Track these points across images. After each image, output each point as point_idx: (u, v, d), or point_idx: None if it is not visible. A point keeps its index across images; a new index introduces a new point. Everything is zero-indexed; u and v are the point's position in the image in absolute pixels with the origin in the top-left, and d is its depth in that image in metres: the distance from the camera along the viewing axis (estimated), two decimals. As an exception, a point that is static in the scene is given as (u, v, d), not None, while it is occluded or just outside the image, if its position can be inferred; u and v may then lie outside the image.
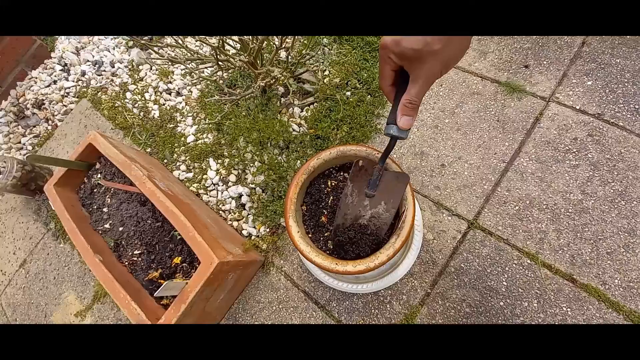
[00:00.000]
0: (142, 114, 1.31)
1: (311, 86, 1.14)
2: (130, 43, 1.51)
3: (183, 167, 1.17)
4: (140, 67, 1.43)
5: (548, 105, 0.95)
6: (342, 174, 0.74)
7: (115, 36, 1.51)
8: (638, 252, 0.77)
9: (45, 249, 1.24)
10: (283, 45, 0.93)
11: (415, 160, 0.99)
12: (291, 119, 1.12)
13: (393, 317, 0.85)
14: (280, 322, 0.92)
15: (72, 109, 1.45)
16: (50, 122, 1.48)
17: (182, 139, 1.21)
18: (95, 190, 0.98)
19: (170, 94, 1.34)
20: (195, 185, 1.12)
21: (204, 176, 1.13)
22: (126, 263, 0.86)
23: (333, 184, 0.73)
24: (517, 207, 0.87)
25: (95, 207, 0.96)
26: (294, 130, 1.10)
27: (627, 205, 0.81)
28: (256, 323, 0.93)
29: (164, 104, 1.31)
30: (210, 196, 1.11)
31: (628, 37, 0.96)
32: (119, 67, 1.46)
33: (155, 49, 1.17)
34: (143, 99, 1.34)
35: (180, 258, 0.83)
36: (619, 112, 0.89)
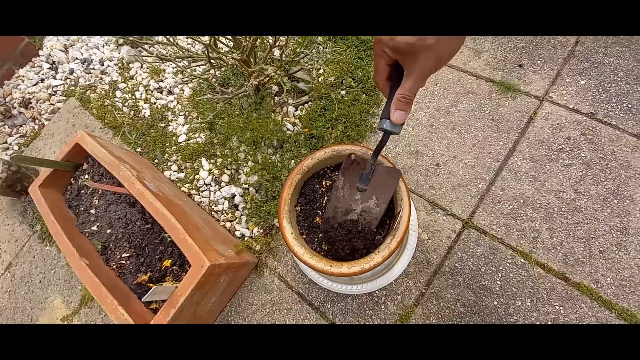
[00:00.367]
0: (132, 112, 1.28)
1: (305, 85, 1.12)
2: (121, 41, 1.47)
3: (174, 167, 1.15)
4: (131, 65, 1.40)
5: (542, 104, 0.95)
6: (336, 174, 0.73)
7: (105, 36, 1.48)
8: (630, 251, 0.77)
9: (31, 252, 1.20)
10: (277, 44, 0.91)
11: (410, 159, 0.98)
12: (285, 118, 1.10)
13: (388, 317, 0.85)
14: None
15: (59, 108, 1.41)
16: (37, 121, 1.44)
17: (174, 138, 1.19)
18: (82, 192, 0.95)
19: (161, 93, 1.31)
20: (187, 185, 1.10)
21: (196, 176, 1.11)
22: (114, 266, 0.84)
23: (328, 184, 0.72)
24: (511, 206, 0.87)
25: (82, 208, 0.93)
26: (288, 129, 1.08)
27: (620, 204, 0.81)
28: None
29: (155, 103, 1.29)
30: (202, 197, 1.09)
31: (621, 36, 0.97)
32: (109, 65, 1.43)
33: (146, 46, 1.14)
34: (133, 97, 1.31)
35: (170, 261, 0.81)
36: (612, 111, 0.90)
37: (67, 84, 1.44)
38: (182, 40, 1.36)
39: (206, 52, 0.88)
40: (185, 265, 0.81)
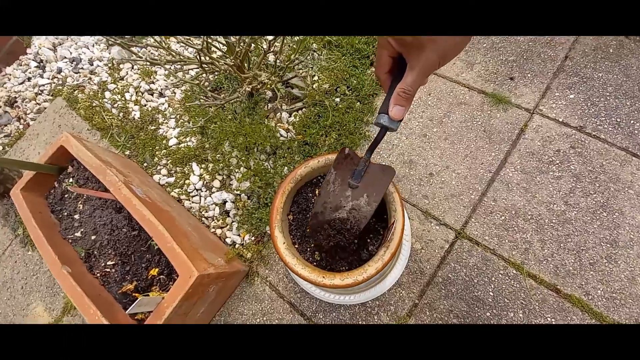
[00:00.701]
0: (121, 114, 1.25)
1: (300, 91, 1.11)
2: (111, 40, 1.44)
3: (164, 171, 1.12)
4: (121, 65, 1.37)
5: (532, 117, 0.97)
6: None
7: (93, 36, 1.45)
8: (620, 263, 0.78)
9: (12, 257, 1.15)
10: (271, 49, 0.90)
11: (404, 168, 0.98)
12: (279, 124, 1.09)
13: (380, 329, 0.83)
14: (264, 335, 0.88)
15: (45, 108, 1.37)
16: (22, 120, 1.39)
17: (164, 141, 1.16)
18: (66, 196, 0.92)
19: (152, 95, 1.28)
20: (177, 190, 1.07)
21: (187, 181, 1.08)
22: (98, 274, 0.81)
23: (320, 193, 0.71)
24: (503, 217, 0.87)
25: (66, 213, 0.89)
26: (281, 135, 1.07)
27: (609, 217, 0.82)
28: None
29: (145, 105, 1.26)
30: (192, 202, 1.06)
31: (611, 51, 0.99)
32: (98, 65, 1.40)
33: (136, 49, 1.12)
34: (123, 99, 1.28)
35: (157, 269, 0.78)
36: (601, 125, 0.92)
37: (54, 83, 1.40)
38: (174, 43, 1.34)
39: (198, 56, 0.87)
40: (173, 274, 0.78)
